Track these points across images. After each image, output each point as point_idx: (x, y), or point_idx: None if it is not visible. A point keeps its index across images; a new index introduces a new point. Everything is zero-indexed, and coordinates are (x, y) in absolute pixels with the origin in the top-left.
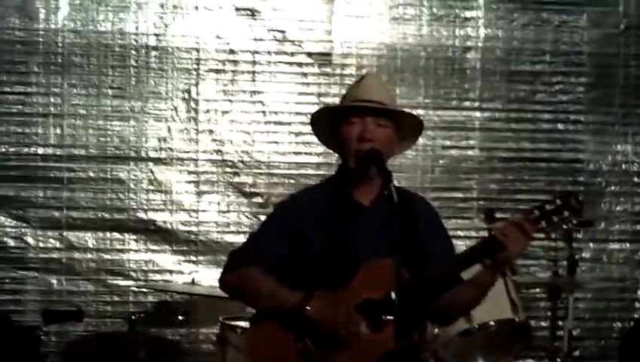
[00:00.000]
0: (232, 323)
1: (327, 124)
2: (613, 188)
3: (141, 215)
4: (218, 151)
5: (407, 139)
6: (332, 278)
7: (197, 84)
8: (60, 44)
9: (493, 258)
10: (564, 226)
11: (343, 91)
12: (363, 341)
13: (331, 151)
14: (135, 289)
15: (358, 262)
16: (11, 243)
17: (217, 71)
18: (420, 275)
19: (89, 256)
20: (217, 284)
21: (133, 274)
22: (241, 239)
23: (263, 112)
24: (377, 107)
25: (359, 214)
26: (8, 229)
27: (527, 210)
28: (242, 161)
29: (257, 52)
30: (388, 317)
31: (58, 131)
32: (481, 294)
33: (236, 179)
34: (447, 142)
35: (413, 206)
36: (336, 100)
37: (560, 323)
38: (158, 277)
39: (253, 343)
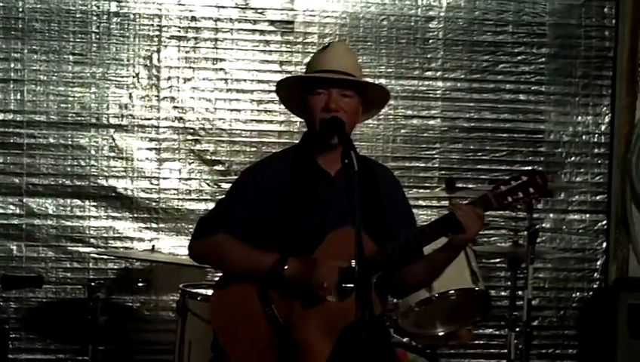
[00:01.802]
0: (192, 290)
1: (292, 92)
2: (573, 158)
3: (102, 182)
4: (180, 119)
5: (372, 110)
6: (299, 245)
7: (159, 51)
8: (20, 9)
9: (450, 237)
10: (529, 202)
11: (305, 60)
12: (329, 309)
13: (293, 119)
14: (95, 255)
15: (324, 229)
16: None
17: (179, 38)
18: (382, 244)
19: (49, 222)
20: (177, 251)
21: (93, 240)
22: (202, 206)
23: (225, 80)
24: (344, 79)
25: (326, 182)
26: None
27: (494, 185)
28: (204, 129)
29: (220, 19)
30: (349, 285)
31: (18, 97)
32: (435, 274)
33: (197, 147)
34: (409, 112)
35: (375, 174)
36: (298, 69)
37: (519, 292)
38: (118, 244)
39: (218, 309)
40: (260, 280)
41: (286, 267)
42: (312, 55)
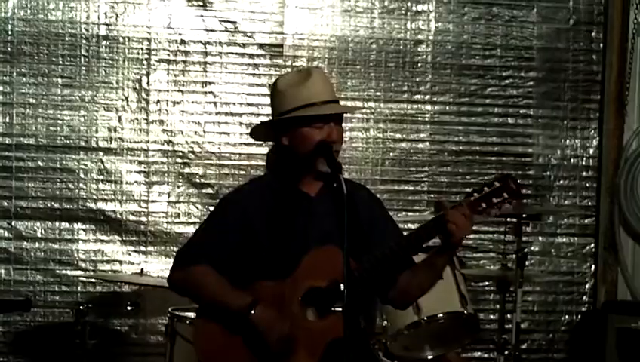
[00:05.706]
0: (181, 314)
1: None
2: (561, 182)
3: (90, 205)
4: (169, 142)
5: None
6: (280, 268)
7: (148, 74)
8: (9, 33)
9: (444, 242)
10: (505, 205)
11: None
12: (312, 328)
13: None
14: (84, 279)
15: (306, 250)
16: None
17: (168, 61)
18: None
19: (37, 245)
20: (166, 275)
21: (82, 264)
22: (191, 230)
23: (214, 103)
24: (346, 113)
25: (306, 203)
26: None
27: (467, 192)
28: (193, 152)
29: (209, 43)
30: (337, 309)
31: (7, 120)
32: (436, 276)
33: (186, 170)
34: (398, 135)
35: (356, 196)
36: None
37: (508, 316)
38: (107, 267)
39: (201, 336)
40: (230, 317)
41: (252, 312)
42: (286, 82)
